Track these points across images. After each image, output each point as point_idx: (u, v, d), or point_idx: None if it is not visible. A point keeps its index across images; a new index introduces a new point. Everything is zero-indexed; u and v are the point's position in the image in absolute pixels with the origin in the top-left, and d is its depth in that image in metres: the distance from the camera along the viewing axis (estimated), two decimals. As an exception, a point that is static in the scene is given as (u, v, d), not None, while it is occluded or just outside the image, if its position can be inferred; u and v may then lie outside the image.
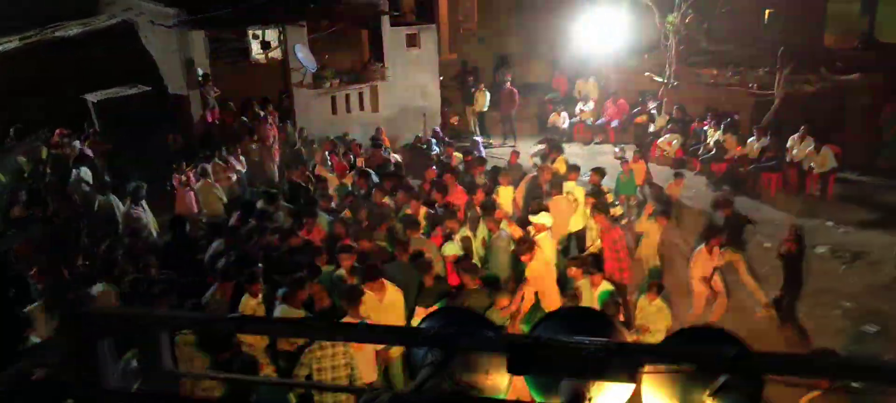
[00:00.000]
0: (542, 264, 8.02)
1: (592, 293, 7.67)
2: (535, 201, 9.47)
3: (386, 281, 7.16)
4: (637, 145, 15.85)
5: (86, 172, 11.42)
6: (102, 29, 15.93)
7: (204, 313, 5.79)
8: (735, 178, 13.99)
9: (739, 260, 9.41)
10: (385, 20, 16.52)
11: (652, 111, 16.91)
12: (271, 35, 17.47)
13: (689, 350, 1.79)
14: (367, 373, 6.80)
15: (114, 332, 2.08)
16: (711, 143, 14.87)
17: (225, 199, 11.06)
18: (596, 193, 10.14)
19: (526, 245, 7.93)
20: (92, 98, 13.73)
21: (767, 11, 18.24)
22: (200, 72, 15.79)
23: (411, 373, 2.11)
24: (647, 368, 1.79)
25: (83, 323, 2.03)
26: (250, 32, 18.19)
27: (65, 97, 14.00)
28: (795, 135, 13.93)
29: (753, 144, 14.16)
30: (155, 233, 9.94)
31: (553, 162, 11.51)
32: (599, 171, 10.83)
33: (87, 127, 13.69)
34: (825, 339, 8.69)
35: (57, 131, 13.22)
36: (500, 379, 1.96)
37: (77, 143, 13.15)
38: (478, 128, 17.66)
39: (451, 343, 1.71)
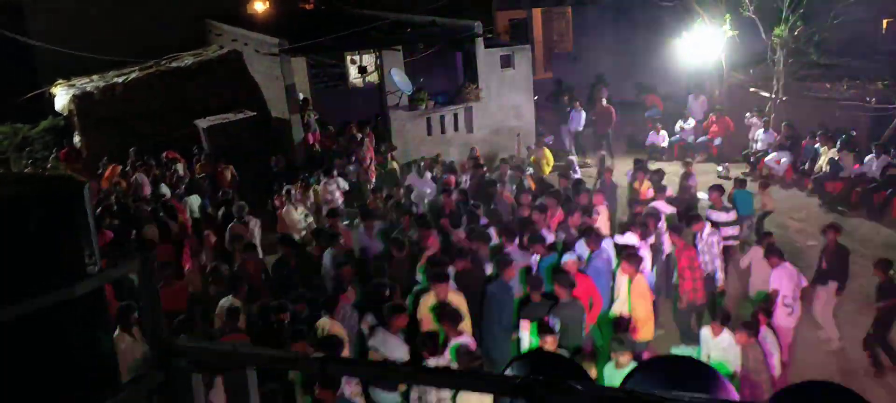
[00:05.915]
0: (644, 284, 7.94)
1: None
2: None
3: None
4: (747, 165, 15.16)
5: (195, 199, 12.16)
6: (213, 59, 16.87)
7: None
8: (852, 199, 13.07)
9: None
10: (479, 42, 16.59)
11: (758, 128, 16.09)
12: (368, 60, 17.95)
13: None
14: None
15: (206, 366, 2.12)
16: (825, 161, 13.98)
17: (304, 222, 11.22)
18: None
19: (635, 260, 7.86)
20: (202, 124, 14.53)
21: (885, 20, 17.06)
22: (301, 96, 16.39)
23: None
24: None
25: (176, 357, 2.08)
26: (348, 58, 18.81)
27: (178, 123, 14.88)
28: (920, 152, 12.91)
29: (872, 162, 13.20)
30: (260, 251, 10.27)
31: (640, 183, 11.32)
32: (718, 189, 10.37)
33: (195, 150, 14.44)
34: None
35: (165, 153, 14.03)
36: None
37: (180, 166, 13.90)
38: (573, 148, 17.36)
39: (536, 394, 1.63)
